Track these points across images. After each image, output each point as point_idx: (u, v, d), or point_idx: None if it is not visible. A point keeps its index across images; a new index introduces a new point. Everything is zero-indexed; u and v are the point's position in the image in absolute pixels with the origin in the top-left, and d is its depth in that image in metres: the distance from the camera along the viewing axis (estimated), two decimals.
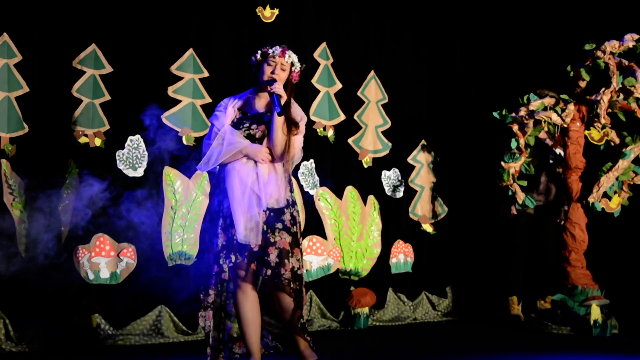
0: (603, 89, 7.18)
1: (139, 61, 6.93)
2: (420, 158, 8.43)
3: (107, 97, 6.82)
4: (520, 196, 7.37)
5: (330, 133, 7.82)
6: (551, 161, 7.66)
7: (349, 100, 8.04)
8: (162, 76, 7.05)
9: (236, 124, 5.20)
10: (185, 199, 7.01)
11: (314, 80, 7.77)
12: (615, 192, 7.36)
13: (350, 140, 8.00)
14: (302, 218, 7.40)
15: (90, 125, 6.74)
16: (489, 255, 8.32)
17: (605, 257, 7.81)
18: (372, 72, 8.20)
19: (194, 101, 7.13)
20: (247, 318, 5.18)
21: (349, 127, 8.03)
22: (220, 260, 5.07)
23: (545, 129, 7.32)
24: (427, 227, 8.48)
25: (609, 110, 7.24)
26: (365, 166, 8.08)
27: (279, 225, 5.12)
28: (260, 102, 5.30)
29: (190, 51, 7.15)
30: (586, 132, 7.35)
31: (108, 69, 6.85)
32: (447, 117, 8.59)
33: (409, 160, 8.37)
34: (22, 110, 6.49)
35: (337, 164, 7.84)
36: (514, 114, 7.27)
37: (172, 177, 6.97)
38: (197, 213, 7.06)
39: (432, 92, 8.62)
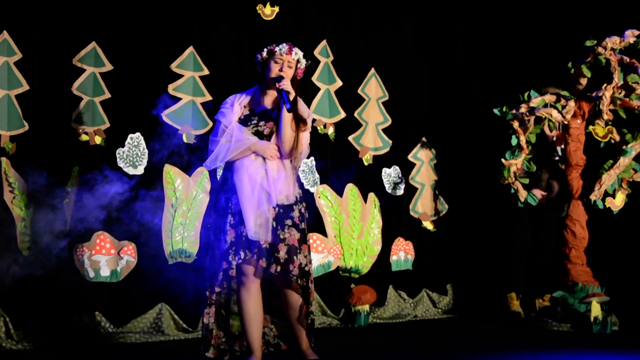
0: (605, 85, 7.17)
1: (139, 59, 6.93)
2: (420, 155, 8.43)
3: (108, 95, 6.82)
4: (522, 194, 7.36)
5: (330, 131, 7.82)
6: (557, 158, 7.65)
7: (350, 98, 8.03)
8: (163, 74, 7.04)
9: (244, 121, 5.21)
10: (185, 196, 7.00)
11: (314, 78, 7.76)
12: (615, 190, 7.35)
13: (350, 138, 8.00)
14: None
15: (91, 123, 6.74)
16: (490, 252, 8.31)
17: (606, 254, 7.81)
18: (373, 70, 8.19)
19: (194, 99, 7.12)
20: (249, 315, 5.19)
21: (350, 125, 8.02)
22: (229, 256, 5.08)
23: (546, 125, 7.31)
24: (428, 225, 8.47)
25: (611, 106, 7.24)
26: (366, 164, 8.07)
27: (288, 222, 5.16)
28: (267, 99, 5.32)
29: (191, 49, 7.14)
30: (591, 128, 7.33)
31: (108, 66, 6.84)
32: (448, 114, 8.58)
33: (410, 157, 8.37)
34: (22, 108, 6.49)
35: (337, 161, 7.83)
36: (514, 111, 7.26)
37: (172, 174, 6.96)
38: (198, 211, 7.06)
39: (433, 89, 8.61)
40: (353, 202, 7.92)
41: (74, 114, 6.69)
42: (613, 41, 7.17)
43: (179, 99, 7.05)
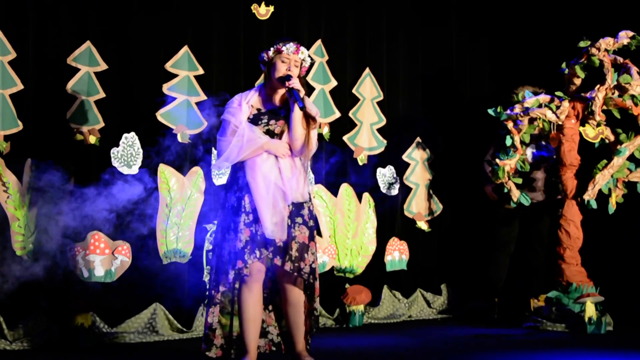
0: (598, 86, 7.18)
1: (133, 58, 6.93)
2: (415, 155, 8.43)
3: (102, 95, 6.81)
4: (515, 194, 7.37)
5: (325, 130, 7.82)
6: (555, 156, 7.65)
7: (344, 98, 8.03)
8: (157, 73, 7.03)
9: (253, 120, 5.20)
10: (180, 196, 7.00)
11: (309, 78, 7.76)
12: (610, 190, 7.36)
13: (345, 138, 8.00)
14: None
15: (85, 123, 6.73)
16: (484, 252, 8.31)
17: (600, 254, 7.82)
18: (367, 70, 8.19)
19: (189, 98, 7.11)
20: (248, 315, 5.19)
21: (344, 125, 8.02)
22: (245, 255, 5.07)
23: (540, 126, 7.31)
24: (422, 225, 8.47)
25: (604, 107, 7.25)
26: (361, 163, 8.07)
27: (299, 220, 5.19)
28: (273, 98, 5.32)
29: (185, 48, 7.14)
30: (581, 129, 7.34)
31: (103, 66, 6.83)
32: (443, 114, 8.57)
33: (404, 157, 8.37)
34: (16, 107, 6.47)
35: (332, 161, 7.83)
36: (508, 111, 7.27)
37: (167, 174, 6.96)
38: (192, 211, 7.06)
39: (428, 89, 8.60)
40: (348, 202, 7.92)
41: (69, 114, 6.68)
42: (607, 42, 7.18)
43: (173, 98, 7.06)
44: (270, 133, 5.20)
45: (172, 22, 7.09)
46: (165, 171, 6.96)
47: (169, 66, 7.07)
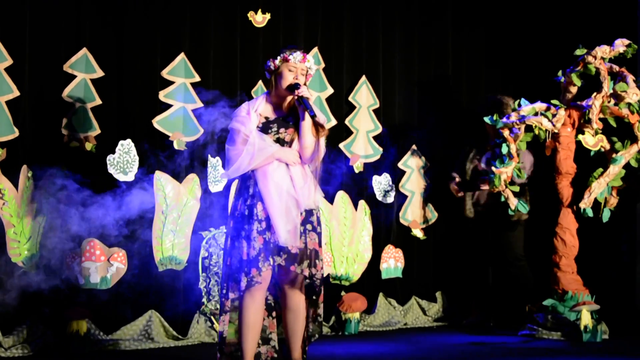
0: (595, 94, 7.19)
1: (130, 65, 6.92)
2: (410, 163, 8.43)
3: (98, 102, 6.80)
4: (513, 202, 7.36)
5: None
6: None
7: (340, 105, 8.04)
8: (154, 80, 7.03)
9: (263, 129, 5.21)
10: (176, 203, 6.99)
11: None
12: (606, 199, 7.36)
13: (341, 145, 8.00)
14: None
15: (81, 130, 6.72)
16: (479, 260, 8.30)
17: (596, 262, 7.82)
18: (364, 77, 8.19)
19: (185, 105, 7.11)
20: (248, 322, 5.19)
21: (340, 132, 8.02)
22: (259, 263, 5.07)
23: (537, 133, 7.31)
24: (417, 232, 8.47)
25: (600, 115, 7.25)
26: (357, 171, 8.07)
27: (309, 227, 5.23)
28: (280, 106, 5.31)
29: (182, 55, 7.14)
30: (580, 137, 7.34)
31: (99, 73, 6.83)
32: (438, 122, 8.57)
33: (400, 165, 8.37)
34: (12, 114, 6.46)
35: (328, 168, 7.82)
36: (505, 119, 7.27)
37: (162, 181, 6.95)
38: (188, 218, 7.05)
39: (423, 97, 8.60)
40: (344, 209, 7.92)
41: (65, 120, 6.67)
42: (603, 50, 7.18)
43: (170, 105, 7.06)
44: (280, 141, 5.22)
45: (169, 29, 7.10)
46: (161, 178, 6.95)
47: (165, 73, 7.07)
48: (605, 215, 7.34)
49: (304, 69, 5.25)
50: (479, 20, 8.88)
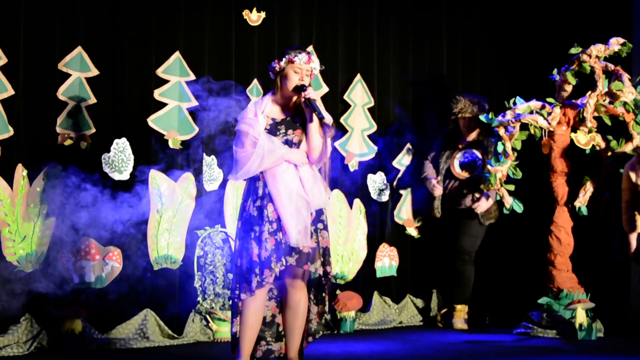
0: (589, 92, 7.20)
1: (125, 64, 6.91)
2: (405, 162, 8.43)
3: (93, 100, 6.79)
4: (508, 200, 7.36)
5: None
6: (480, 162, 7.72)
7: (335, 104, 8.03)
8: (149, 79, 7.01)
9: (271, 131, 5.22)
10: (171, 202, 6.98)
11: None
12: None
13: (336, 144, 7.99)
14: None
15: (76, 128, 6.70)
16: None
17: (591, 260, 7.83)
18: (359, 76, 8.18)
19: (180, 104, 7.10)
20: (248, 321, 5.21)
21: (335, 131, 8.01)
22: (272, 264, 5.09)
23: (532, 132, 7.31)
24: (412, 231, 8.47)
25: (595, 114, 7.26)
26: (352, 169, 8.07)
27: (320, 225, 5.27)
28: (285, 106, 5.32)
29: (177, 54, 7.12)
30: (572, 136, 7.35)
31: (94, 71, 6.81)
32: (433, 121, 8.57)
33: (395, 163, 8.36)
34: (7, 113, 6.43)
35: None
36: (500, 118, 7.28)
37: (158, 180, 6.94)
38: (183, 217, 7.04)
39: (418, 96, 8.60)
40: (339, 208, 7.92)
41: (59, 119, 6.66)
42: (598, 49, 7.19)
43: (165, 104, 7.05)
44: (288, 143, 5.24)
45: (164, 27, 7.08)
46: (156, 177, 6.94)
47: (160, 72, 7.06)
48: (583, 210, 7.37)
49: (309, 69, 5.25)
50: (475, 18, 8.88)
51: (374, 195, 8.22)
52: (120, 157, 6.84)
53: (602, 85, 7.16)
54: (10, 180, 6.40)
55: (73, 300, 6.54)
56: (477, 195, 7.73)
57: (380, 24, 8.38)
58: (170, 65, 7.10)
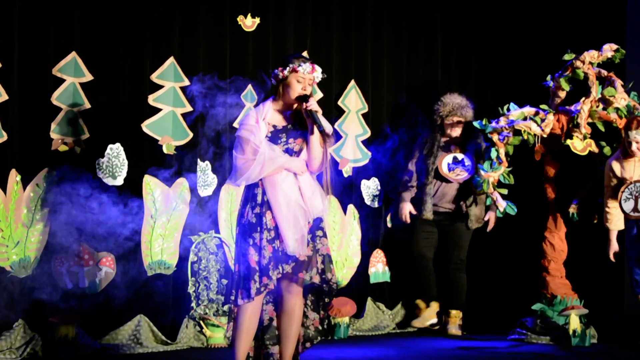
0: (583, 98, 7.21)
1: (119, 69, 6.91)
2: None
3: (87, 105, 6.78)
4: (502, 204, 7.36)
5: None
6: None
7: (330, 110, 8.03)
8: (143, 84, 7.01)
9: (272, 139, 5.21)
10: (165, 207, 6.97)
11: None
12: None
13: (330, 149, 7.98)
14: None
15: (70, 134, 6.70)
16: (468, 264, 8.31)
17: (584, 266, 7.83)
18: (353, 82, 8.19)
19: (174, 109, 7.10)
20: (244, 326, 5.20)
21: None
22: (270, 272, 5.09)
23: (525, 138, 7.32)
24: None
25: (589, 120, 7.27)
26: (345, 175, 8.07)
27: (319, 233, 5.27)
28: (286, 114, 5.32)
29: (171, 59, 7.12)
30: (568, 142, 7.35)
31: (88, 77, 6.81)
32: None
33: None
34: (1, 118, 6.43)
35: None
36: (493, 124, 7.28)
37: (152, 185, 6.94)
38: (177, 222, 7.03)
39: (412, 102, 8.61)
40: (333, 213, 7.92)
41: (53, 124, 6.65)
42: (591, 55, 7.21)
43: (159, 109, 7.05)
44: (289, 151, 5.25)
45: (158, 33, 7.08)
46: (150, 182, 6.94)
47: (154, 77, 7.06)
48: (576, 216, 7.39)
49: (312, 78, 5.26)
50: (468, 24, 8.90)
51: (367, 201, 8.22)
52: (114, 163, 6.84)
53: (595, 91, 7.18)
54: (4, 186, 6.40)
55: (66, 306, 6.52)
56: (468, 201, 7.73)
57: (374, 29, 8.38)
58: (165, 70, 7.10)
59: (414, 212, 7.83)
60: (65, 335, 6.39)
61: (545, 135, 7.31)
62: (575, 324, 7.05)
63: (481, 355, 6.64)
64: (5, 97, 6.44)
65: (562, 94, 7.38)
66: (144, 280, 6.87)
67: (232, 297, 5.22)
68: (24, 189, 6.47)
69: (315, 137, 5.24)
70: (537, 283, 7.48)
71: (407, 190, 7.89)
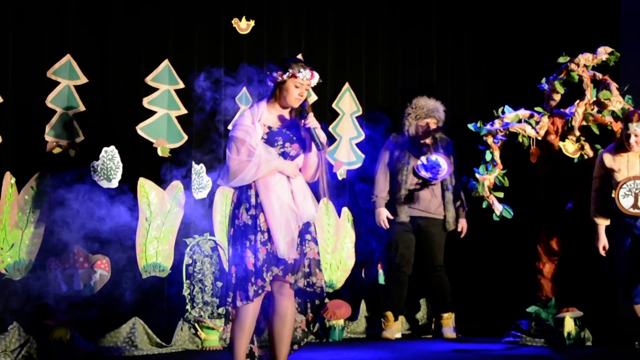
0: (577, 101, 7.22)
1: (114, 72, 6.90)
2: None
3: (82, 108, 6.78)
4: (498, 208, 7.36)
5: None
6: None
7: (324, 112, 8.03)
8: (138, 87, 7.01)
9: (268, 141, 5.21)
10: (160, 210, 6.97)
11: None
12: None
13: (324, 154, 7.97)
14: None
15: (65, 136, 6.69)
16: (461, 267, 8.32)
17: (579, 269, 7.84)
18: (347, 85, 8.20)
19: (169, 112, 7.10)
20: (244, 327, 5.21)
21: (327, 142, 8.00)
22: (264, 274, 5.11)
23: (520, 141, 7.32)
24: None
25: (583, 123, 7.28)
26: (340, 178, 8.07)
27: (308, 237, 5.27)
28: (282, 115, 5.33)
29: (166, 62, 7.12)
30: (561, 145, 7.37)
31: (83, 79, 6.80)
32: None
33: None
34: None
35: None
36: (488, 126, 7.29)
37: (146, 188, 6.93)
38: (172, 225, 7.03)
39: (407, 104, 8.59)
40: (327, 216, 7.92)
41: (48, 127, 6.65)
42: (586, 58, 7.21)
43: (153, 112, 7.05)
44: (285, 155, 5.25)
45: (153, 36, 7.08)
46: (145, 185, 6.93)
47: (149, 80, 7.06)
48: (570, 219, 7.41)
49: (309, 84, 5.28)
50: (463, 27, 8.90)
51: (362, 204, 8.22)
52: (109, 165, 6.83)
53: (590, 94, 7.18)
54: None
55: (61, 308, 6.51)
56: (445, 202, 7.74)
57: (369, 31, 8.39)
58: (159, 73, 7.10)
59: (390, 217, 7.83)
60: (60, 337, 6.37)
61: (540, 138, 7.32)
62: (570, 326, 7.05)
63: (476, 358, 6.64)
64: None
65: (557, 97, 7.39)
66: (138, 283, 6.86)
67: (229, 299, 5.22)
68: (19, 191, 6.46)
69: (312, 154, 5.31)
70: (532, 285, 7.48)
71: (381, 197, 7.89)
